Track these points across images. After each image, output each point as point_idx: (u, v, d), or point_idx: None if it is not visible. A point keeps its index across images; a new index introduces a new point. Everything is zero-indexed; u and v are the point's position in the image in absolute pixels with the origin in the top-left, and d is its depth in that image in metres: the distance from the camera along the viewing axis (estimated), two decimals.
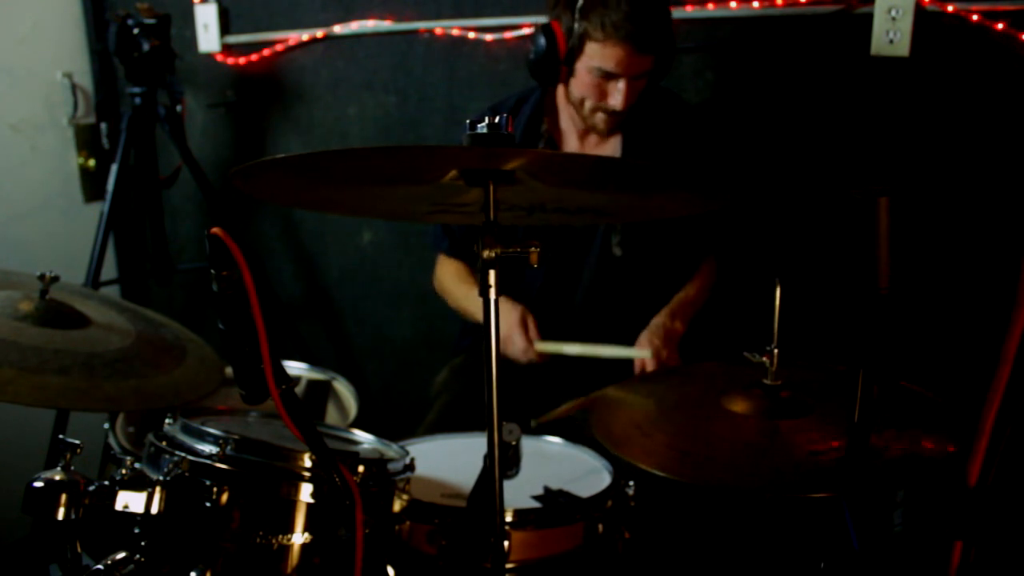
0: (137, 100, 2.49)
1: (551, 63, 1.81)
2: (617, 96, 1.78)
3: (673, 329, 1.86)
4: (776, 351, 1.31)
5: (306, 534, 1.23)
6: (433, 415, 1.99)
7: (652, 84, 1.86)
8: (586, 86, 1.81)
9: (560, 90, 1.96)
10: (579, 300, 2.02)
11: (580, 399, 1.62)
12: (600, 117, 1.86)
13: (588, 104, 1.84)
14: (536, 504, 1.46)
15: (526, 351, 1.83)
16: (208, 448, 1.24)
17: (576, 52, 1.78)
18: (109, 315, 1.64)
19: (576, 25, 1.75)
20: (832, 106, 2.05)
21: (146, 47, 2.42)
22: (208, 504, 1.18)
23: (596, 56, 1.75)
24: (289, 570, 1.22)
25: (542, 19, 1.88)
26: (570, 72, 1.82)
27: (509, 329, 1.83)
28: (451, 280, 2.10)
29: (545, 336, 1.88)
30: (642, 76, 1.79)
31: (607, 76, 1.77)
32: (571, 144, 1.98)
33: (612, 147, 1.96)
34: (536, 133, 1.96)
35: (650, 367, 1.79)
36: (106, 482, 1.16)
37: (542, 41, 1.80)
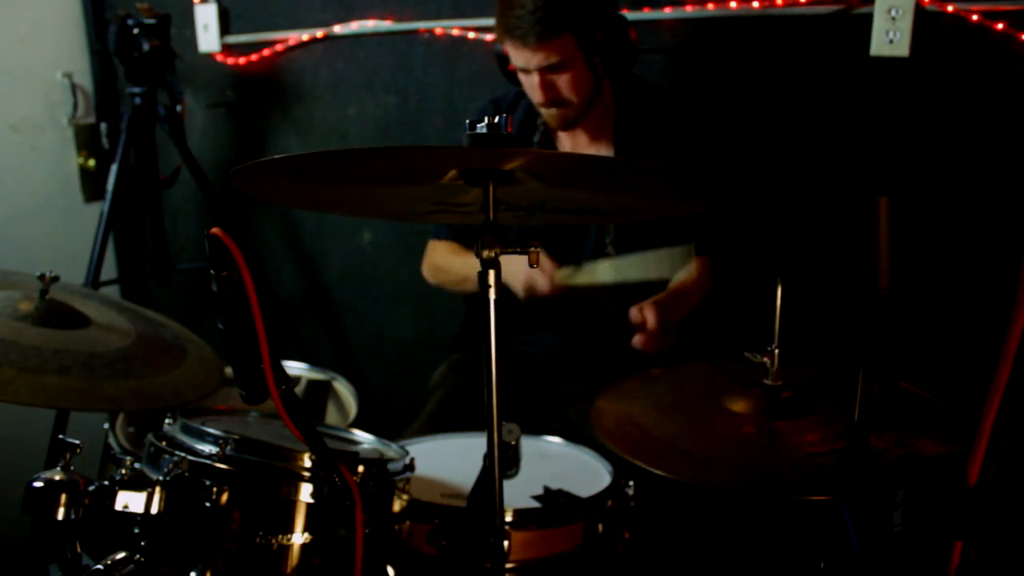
0: (137, 100, 2.49)
1: (505, 69, 1.89)
2: (536, 91, 1.82)
3: (670, 302, 1.80)
4: (777, 351, 1.30)
5: (306, 534, 1.23)
6: (431, 406, 1.98)
7: (593, 68, 1.82)
8: (525, 87, 1.86)
9: None
10: (573, 299, 2.01)
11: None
12: (547, 113, 1.88)
13: (535, 102, 1.87)
14: (536, 504, 1.46)
15: (544, 280, 1.78)
16: (208, 448, 1.24)
17: (506, 57, 1.84)
18: (109, 315, 1.64)
19: (497, 32, 1.82)
20: (832, 106, 2.05)
21: (146, 47, 2.42)
22: (208, 504, 1.19)
23: (512, 57, 1.81)
24: (289, 570, 1.22)
25: None
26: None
27: (520, 270, 1.80)
28: (445, 256, 2.08)
29: (542, 332, 1.85)
30: (559, 67, 1.78)
31: (527, 74, 1.82)
32: (563, 140, 1.98)
33: (604, 144, 1.96)
34: (532, 126, 1.96)
35: (651, 322, 1.72)
36: (106, 482, 1.16)
37: (498, 47, 1.87)
